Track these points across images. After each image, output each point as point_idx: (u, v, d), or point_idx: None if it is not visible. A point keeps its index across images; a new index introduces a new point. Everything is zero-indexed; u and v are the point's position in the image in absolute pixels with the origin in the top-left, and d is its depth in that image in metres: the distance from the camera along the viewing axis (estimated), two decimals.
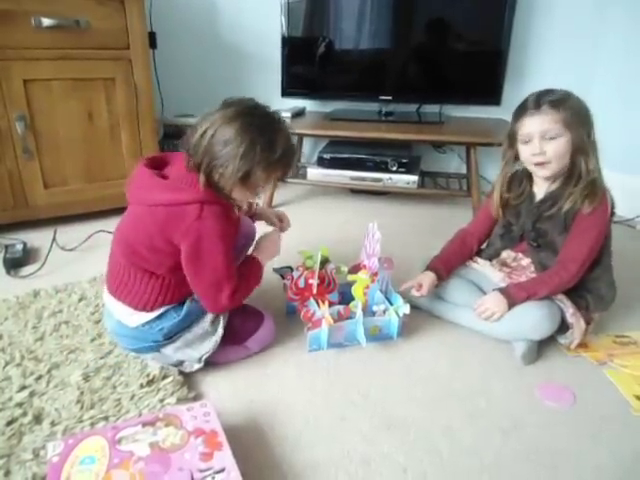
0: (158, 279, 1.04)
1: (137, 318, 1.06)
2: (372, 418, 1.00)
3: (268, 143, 0.96)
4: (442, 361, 1.18)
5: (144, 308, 1.05)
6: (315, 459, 0.90)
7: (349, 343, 1.21)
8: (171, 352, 1.07)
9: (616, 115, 2.09)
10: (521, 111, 1.15)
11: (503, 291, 1.19)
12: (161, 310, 1.06)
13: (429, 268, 1.31)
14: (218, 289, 1.01)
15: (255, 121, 0.96)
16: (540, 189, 1.23)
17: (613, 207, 1.17)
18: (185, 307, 1.06)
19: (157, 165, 1.05)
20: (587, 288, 1.20)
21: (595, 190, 1.13)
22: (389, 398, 1.06)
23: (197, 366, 1.08)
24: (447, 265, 1.33)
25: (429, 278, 1.28)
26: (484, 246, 1.39)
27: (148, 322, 1.05)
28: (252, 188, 1.02)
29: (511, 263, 1.31)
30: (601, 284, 1.22)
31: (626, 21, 2.02)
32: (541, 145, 1.12)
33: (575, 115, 1.10)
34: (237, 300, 1.06)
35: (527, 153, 1.16)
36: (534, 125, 1.12)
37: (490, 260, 1.34)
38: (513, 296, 1.17)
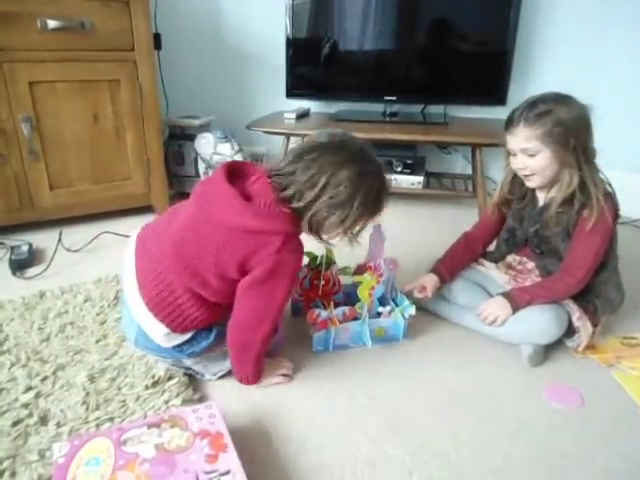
0: (209, 306, 0.98)
1: (170, 339, 0.99)
2: (378, 420, 0.99)
3: (377, 202, 0.95)
4: (448, 363, 1.17)
5: (183, 331, 0.99)
6: (320, 461, 0.90)
7: (354, 344, 1.21)
8: (190, 363, 1.06)
9: (622, 114, 2.08)
10: (506, 125, 1.14)
11: (507, 295, 1.19)
12: (192, 332, 1.00)
13: (432, 270, 1.32)
14: (261, 322, 0.97)
15: (366, 171, 0.93)
16: (541, 194, 1.21)
17: (617, 210, 1.15)
18: (214, 330, 1.02)
19: (236, 175, 0.98)
20: (595, 292, 1.19)
21: (588, 198, 1.10)
22: (395, 400, 1.05)
23: (209, 378, 1.07)
24: (450, 268, 1.32)
25: (432, 280, 1.28)
26: (492, 248, 1.38)
27: (179, 345, 1.00)
28: (347, 234, 0.99)
29: (517, 266, 1.30)
30: (609, 287, 1.20)
31: (631, 20, 2.00)
32: (523, 160, 1.12)
33: (558, 128, 1.06)
34: (263, 347, 1.01)
35: (514, 165, 1.16)
36: (514, 142, 1.12)
37: (496, 263, 1.34)
38: (517, 300, 1.17)
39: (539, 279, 1.23)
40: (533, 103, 1.09)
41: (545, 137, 1.07)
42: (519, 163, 1.14)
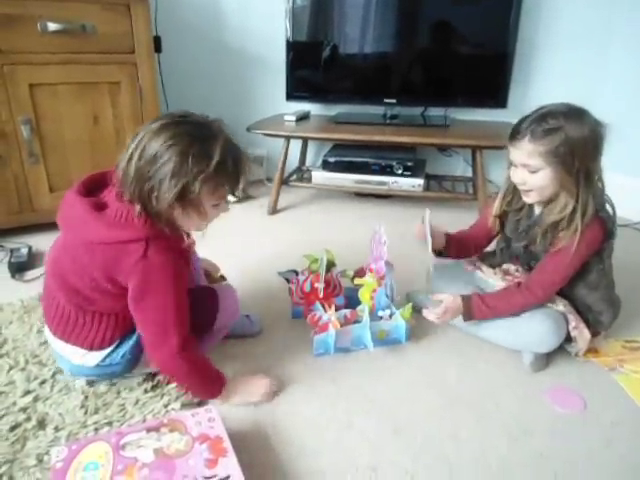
0: (110, 318, 0.95)
1: (93, 357, 0.98)
2: (379, 423, 0.99)
3: (202, 151, 0.84)
4: (450, 366, 1.16)
5: (100, 347, 0.97)
6: (321, 465, 0.89)
7: (356, 347, 1.20)
8: (137, 372, 1.04)
9: (624, 116, 2.08)
10: (511, 134, 1.08)
11: (467, 304, 1.15)
12: (117, 342, 0.98)
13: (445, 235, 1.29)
14: (164, 336, 0.89)
15: (185, 129, 0.85)
16: (538, 209, 1.17)
17: (609, 232, 1.09)
18: (132, 339, 0.99)
19: (95, 186, 0.94)
20: (586, 310, 1.17)
21: (570, 222, 1.06)
22: (396, 403, 1.04)
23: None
24: (458, 245, 1.31)
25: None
26: (493, 247, 1.37)
27: (107, 356, 0.98)
28: (196, 208, 0.89)
29: (514, 273, 1.29)
30: (601, 307, 1.16)
31: (633, 24, 2.00)
32: (523, 175, 1.08)
33: (564, 147, 1.00)
34: (185, 360, 0.92)
35: (513, 178, 1.12)
36: (516, 155, 1.07)
37: (494, 268, 1.33)
38: (473, 313, 1.15)
39: None
40: (543, 116, 1.02)
41: (549, 156, 1.01)
42: (519, 177, 1.09)
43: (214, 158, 0.84)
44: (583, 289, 1.15)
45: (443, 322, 1.19)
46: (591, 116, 1.03)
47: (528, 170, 1.06)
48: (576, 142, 1.00)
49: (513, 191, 1.19)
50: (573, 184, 1.03)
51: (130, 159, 0.85)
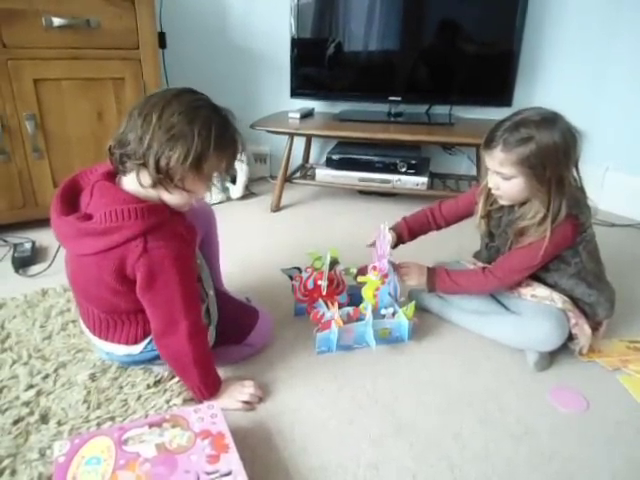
0: (138, 315, 0.96)
1: (134, 348, 1.01)
2: (381, 422, 0.99)
3: (223, 121, 0.87)
4: (453, 365, 1.16)
5: (135, 342, 1.00)
6: (323, 463, 0.89)
7: (358, 345, 1.20)
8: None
9: (628, 114, 2.07)
10: (485, 141, 1.10)
11: (432, 273, 1.23)
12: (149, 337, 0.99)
13: (393, 228, 1.32)
14: (174, 325, 0.90)
15: (203, 98, 0.88)
16: (517, 206, 1.18)
17: (581, 230, 1.10)
18: None
19: (72, 194, 0.94)
20: (579, 303, 1.17)
21: (542, 226, 1.08)
22: (398, 402, 1.04)
23: None
24: (411, 229, 1.34)
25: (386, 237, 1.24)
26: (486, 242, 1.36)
27: (149, 342, 0.99)
28: (205, 177, 0.90)
29: None
30: (591, 298, 1.17)
31: (639, 23, 1.99)
32: (497, 180, 1.10)
33: (535, 158, 1.01)
34: (194, 346, 0.92)
35: (489, 182, 1.14)
36: (490, 163, 1.10)
37: (489, 264, 1.32)
38: (436, 282, 1.23)
39: (531, 285, 1.20)
40: (516, 125, 1.04)
41: (521, 165, 1.03)
42: (493, 183, 1.12)
43: (230, 131, 0.89)
44: (567, 282, 1.16)
45: (408, 283, 1.26)
46: (564, 122, 1.04)
47: (501, 177, 1.08)
48: (547, 151, 1.01)
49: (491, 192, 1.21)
50: (545, 192, 1.05)
51: (136, 121, 0.84)
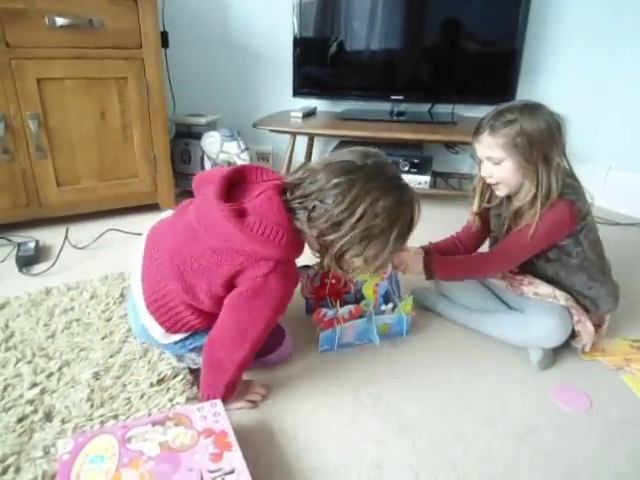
0: (201, 314, 0.96)
1: (168, 337, 0.99)
2: (383, 421, 0.99)
3: (410, 224, 0.90)
4: (456, 364, 1.16)
5: (178, 332, 0.98)
6: (325, 461, 0.89)
7: (360, 342, 1.20)
8: (195, 357, 1.04)
9: (630, 113, 2.06)
10: (474, 132, 1.14)
11: (429, 260, 1.20)
12: (192, 333, 1.00)
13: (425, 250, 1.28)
14: (237, 344, 0.91)
15: (404, 198, 0.88)
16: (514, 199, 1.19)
17: (580, 215, 1.10)
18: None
19: (238, 183, 0.92)
20: (581, 297, 1.17)
21: (533, 207, 1.08)
22: (401, 401, 1.04)
23: None
24: (438, 250, 1.31)
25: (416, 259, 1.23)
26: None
27: (180, 340, 1.00)
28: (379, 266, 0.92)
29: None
30: (594, 291, 1.17)
31: None
32: (489, 168, 1.12)
33: (520, 138, 1.05)
34: (242, 369, 0.95)
35: (482, 172, 1.16)
36: (480, 150, 1.13)
37: None
38: (434, 269, 1.20)
39: (533, 283, 1.20)
40: (500, 112, 1.09)
41: (508, 146, 1.07)
42: (486, 171, 1.14)
43: (412, 229, 0.91)
44: (568, 273, 1.16)
45: (405, 273, 1.24)
46: (546, 109, 1.09)
47: (492, 162, 1.11)
48: (532, 132, 1.05)
49: (489, 187, 1.21)
50: (533, 171, 1.08)
51: (341, 196, 0.84)
